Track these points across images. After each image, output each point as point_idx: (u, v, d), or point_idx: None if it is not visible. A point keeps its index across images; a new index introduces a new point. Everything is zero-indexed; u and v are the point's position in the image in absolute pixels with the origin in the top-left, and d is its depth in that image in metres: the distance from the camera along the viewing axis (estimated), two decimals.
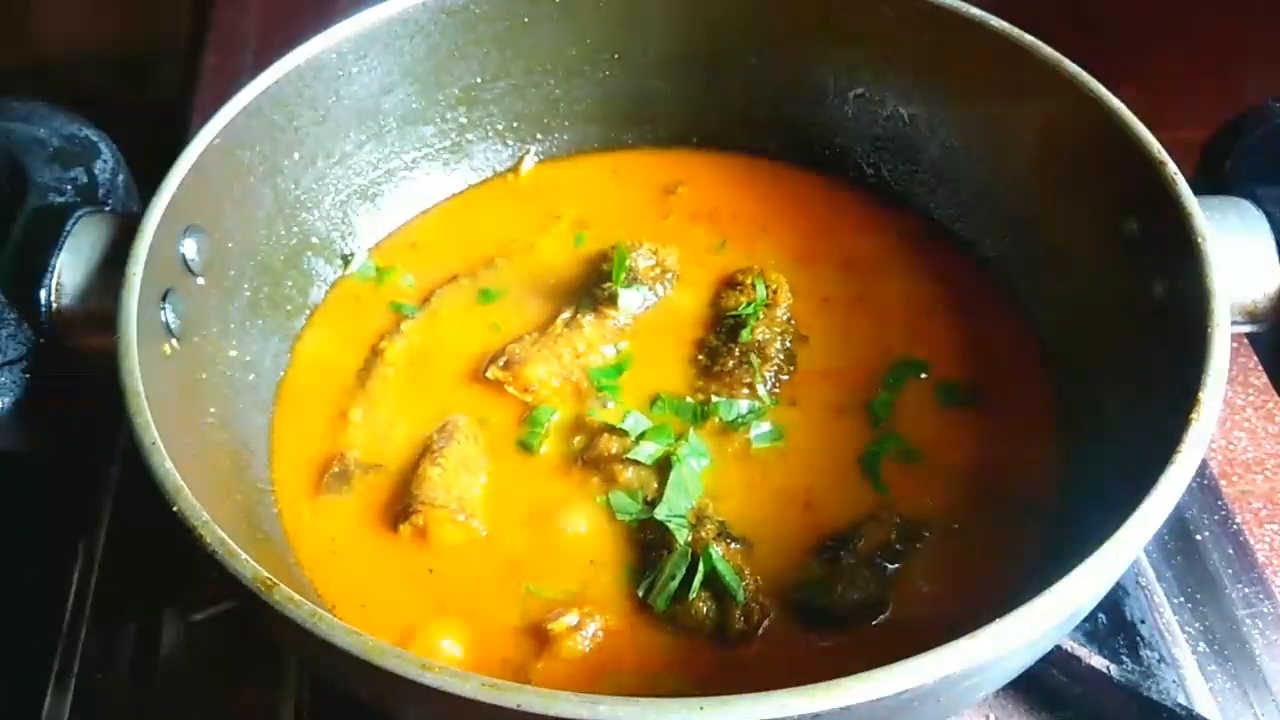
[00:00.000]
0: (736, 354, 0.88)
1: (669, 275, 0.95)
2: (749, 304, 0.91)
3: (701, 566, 0.75)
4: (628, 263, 0.93)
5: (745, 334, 0.89)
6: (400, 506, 0.81)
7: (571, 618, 0.74)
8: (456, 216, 1.04)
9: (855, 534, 0.78)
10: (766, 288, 0.92)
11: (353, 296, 0.97)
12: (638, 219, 1.01)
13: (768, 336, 0.89)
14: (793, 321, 0.92)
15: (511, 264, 0.98)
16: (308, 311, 0.95)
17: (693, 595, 0.75)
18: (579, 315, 0.92)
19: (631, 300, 0.92)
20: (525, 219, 1.02)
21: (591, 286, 0.94)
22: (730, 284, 0.94)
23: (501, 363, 0.89)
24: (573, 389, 0.88)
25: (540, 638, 0.74)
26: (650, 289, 0.94)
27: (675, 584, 0.75)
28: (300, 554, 0.80)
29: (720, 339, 0.91)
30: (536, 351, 0.89)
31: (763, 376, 0.87)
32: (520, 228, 1.01)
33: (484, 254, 0.99)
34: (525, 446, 0.85)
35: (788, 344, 0.90)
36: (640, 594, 0.76)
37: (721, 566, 0.75)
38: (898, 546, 0.78)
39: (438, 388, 0.90)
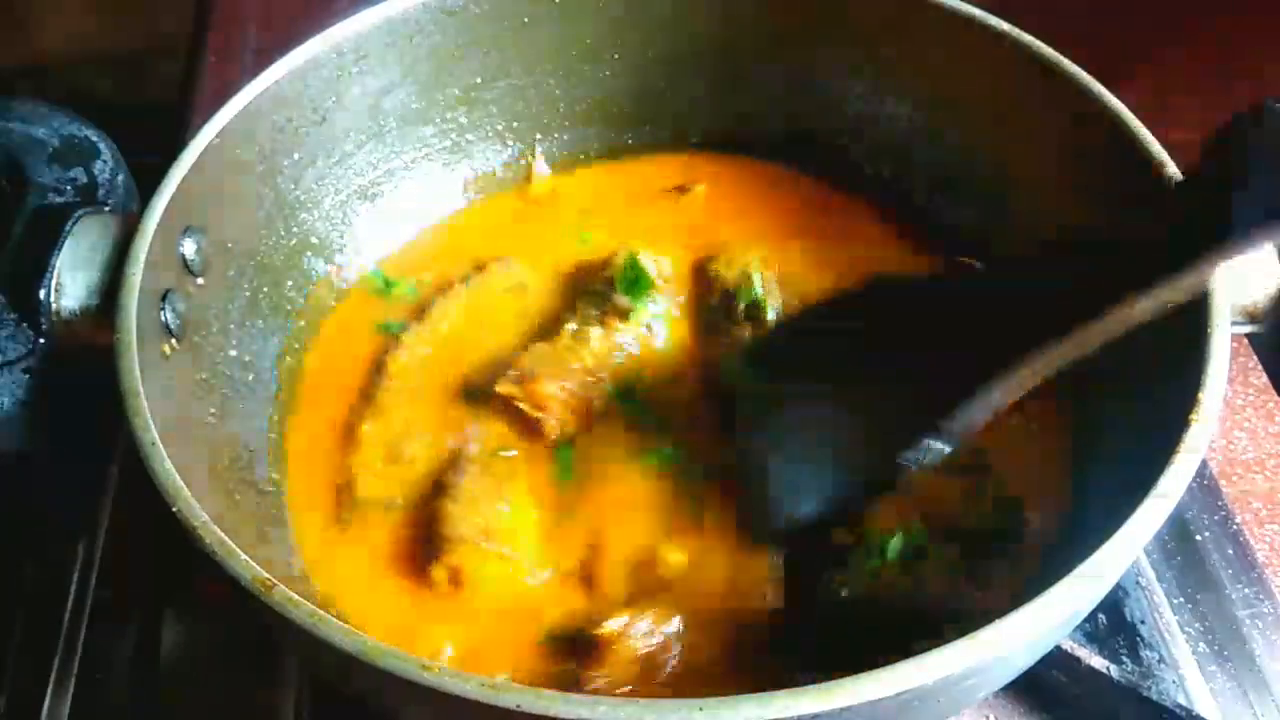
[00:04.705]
0: (739, 312, 0.90)
1: (671, 284, 0.95)
2: (735, 282, 0.92)
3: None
4: (640, 272, 0.92)
5: (741, 296, 0.90)
6: (427, 549, 0.79)
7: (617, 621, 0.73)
8: (458, 222, 1.04)
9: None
10: (740, 269, 0.93)
11: (355, 301, 0.97)
12: (642, 223, 1.00)
13: (761, 295, 0.90)
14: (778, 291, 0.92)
15: (511, 271, 0.97)
16: (308, 312, 0.95)
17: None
18: (586, 327, 0.90)
19: (644, 315, 0.91)
20: (527, 225, 1.02)
21: (596, 295, 0.92)
22: (705, 274, 0.95)
23: (513, 377, 0.86)
24: (584, 405, 0.86)
25: (586, 645, 0.74)
26: (656, 300, 0.93)
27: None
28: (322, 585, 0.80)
29: (719, 313, 0.91)
30: (547, 366, 0.87)
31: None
32: (522, 234, 1.01)
33: (483, 259, 0.98)
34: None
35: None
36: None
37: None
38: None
39: (444, 399, 0.88)
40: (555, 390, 0.85)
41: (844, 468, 0.78)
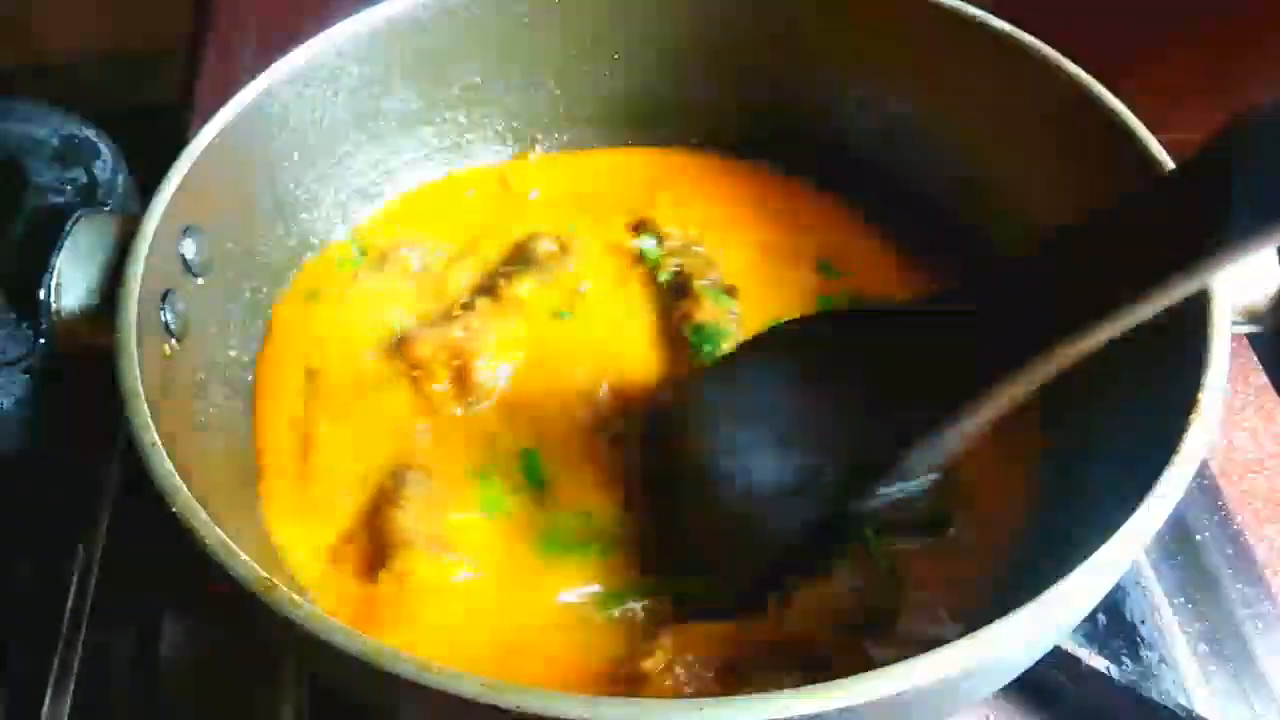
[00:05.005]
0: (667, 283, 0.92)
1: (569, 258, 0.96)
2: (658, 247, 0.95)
3: None
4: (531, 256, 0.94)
5: (663, 276, 0.92)
6: (372, 554, 0.78)
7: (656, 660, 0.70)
8: (434, 204, 1.03)
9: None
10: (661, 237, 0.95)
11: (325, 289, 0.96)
12: (616, 214, 1.01)
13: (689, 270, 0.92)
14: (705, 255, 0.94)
15: (410, 256, 0.96)
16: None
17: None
18: (476, 298, 0.91)
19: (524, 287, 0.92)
20: (499, 214, 1.02)
21: (497, 273, 0.94)
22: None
23: (392, 346, 0.88)
24: (464, 369, 0.87)
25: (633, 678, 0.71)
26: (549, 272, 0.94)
27: None
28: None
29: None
30: (426, 332, 0.88)
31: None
32: (494, 221, 1.00)
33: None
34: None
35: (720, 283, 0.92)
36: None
37: None
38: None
39: (379, 397, 0.87)
40: (428, 352, 0.86)
41: (792, 513, 0.72)
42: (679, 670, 0.69)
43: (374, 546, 0.78)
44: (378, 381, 0.88)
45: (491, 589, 0.77)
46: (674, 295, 0.92)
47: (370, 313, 0.92)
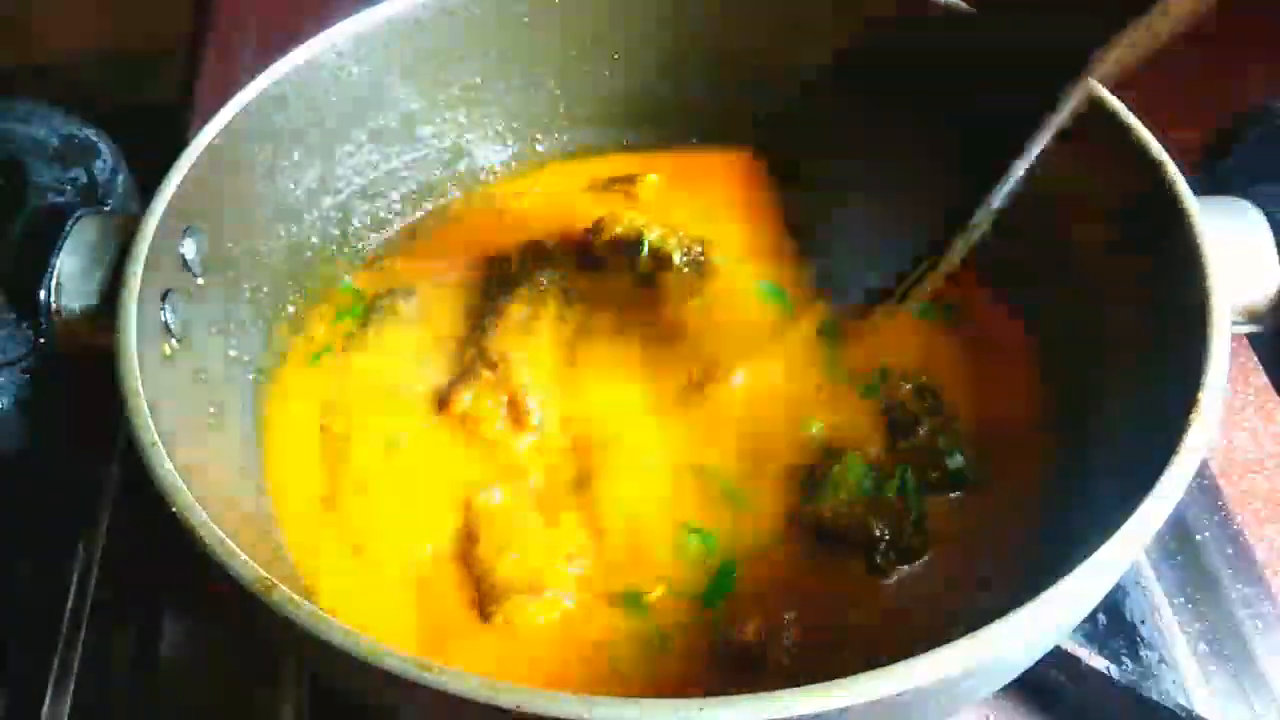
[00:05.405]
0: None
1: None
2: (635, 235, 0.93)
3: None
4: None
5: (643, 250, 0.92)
6: (479, 593, 0.77)
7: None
8: (446, 227, 1.03)
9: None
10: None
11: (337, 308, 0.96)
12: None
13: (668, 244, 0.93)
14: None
15: (407, 303, 0.95)
16: (307, 312, 0.95)
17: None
18: (483, 326, 0.91)
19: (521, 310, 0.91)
20: (511, 227, 1.01)
21: (491, 302, 0.93)
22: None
23: (442, 402, 0.87)
24: (510, 407, 0.86)
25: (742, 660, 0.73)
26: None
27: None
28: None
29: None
30: (464, 377, 0.87)
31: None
32: (505, 237, 1.00)
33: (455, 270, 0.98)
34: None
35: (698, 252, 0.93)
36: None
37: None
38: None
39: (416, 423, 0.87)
40: (473, 399, 0.86)
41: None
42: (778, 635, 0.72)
43: (464, 607, 0.77)
44: (424, 436, 0.86)
45: (596, 610, 0.76)
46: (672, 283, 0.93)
47: (382, 368, 0.91)
